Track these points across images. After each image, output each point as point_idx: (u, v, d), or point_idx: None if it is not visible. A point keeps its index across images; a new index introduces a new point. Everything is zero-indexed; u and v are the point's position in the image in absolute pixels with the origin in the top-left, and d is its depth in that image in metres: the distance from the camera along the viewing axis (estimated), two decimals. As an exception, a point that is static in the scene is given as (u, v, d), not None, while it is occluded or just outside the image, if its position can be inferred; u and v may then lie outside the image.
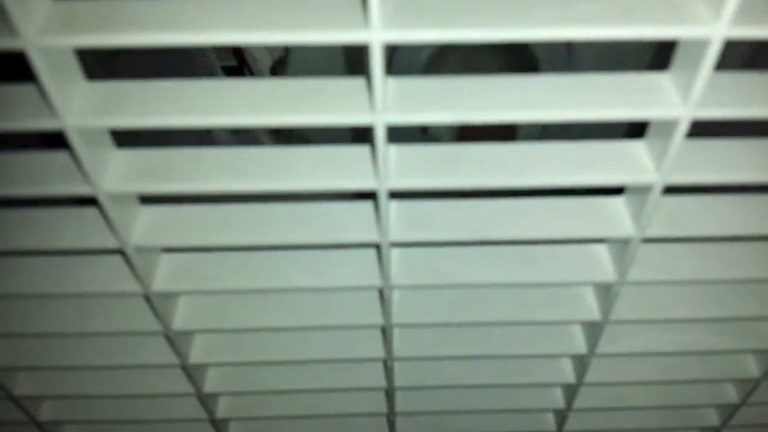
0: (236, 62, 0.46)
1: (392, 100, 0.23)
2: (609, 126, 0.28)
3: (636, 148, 0.26)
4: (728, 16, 0.20)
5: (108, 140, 0.25)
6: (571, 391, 0.38)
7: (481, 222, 0.28)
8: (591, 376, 0.37)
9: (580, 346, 0.35)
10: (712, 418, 0.42)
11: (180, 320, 0.32)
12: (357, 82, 0.23)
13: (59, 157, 0.25)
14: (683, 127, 0.24)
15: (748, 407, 0.40)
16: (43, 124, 0.22)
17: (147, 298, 0.30)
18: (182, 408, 0.38)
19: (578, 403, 0.39)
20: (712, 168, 0.26)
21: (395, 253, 0.30)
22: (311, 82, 0.23)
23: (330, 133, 0.27)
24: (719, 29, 0.21)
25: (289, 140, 0.46)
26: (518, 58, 0.41)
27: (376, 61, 0.21)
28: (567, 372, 0.37)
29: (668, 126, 0.24)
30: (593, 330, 0.33)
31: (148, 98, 0.23)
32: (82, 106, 0.22)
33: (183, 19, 0.20)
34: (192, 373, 0.35)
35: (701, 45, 0.21)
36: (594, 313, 0.32)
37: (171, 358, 0.34)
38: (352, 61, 0.40)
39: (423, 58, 0.41)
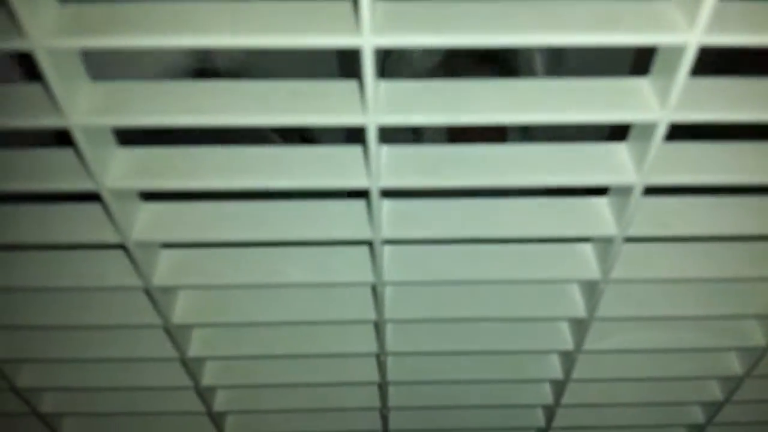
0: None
1: (383, 102, 0.24)
2: (595, 128, 0.29)
3: (618, 150, 0.27)
4: (703, 24, 0.22)
5: (111, 138, 0.26)
6: (559, 387, 0.39)
7: (470, 220, 0.29)
8: (578, 372, 0.38)
9: (567, 342, 0.36)
10: (698, 416, 0.43)
11: (179, 314, 0.33)
12: (350, 85, 0.24)
13: (64, 154, 0.26)
14: (661, 130, 0.25)
15: (732, 405, 0.41)
16: (49, 122, 0.23)
17: (147, 292, 0.31)
18: (180, 401, 0.39)
19: (566, 399, 0.40)
20: (691, 170, 0.27)
21: (387, 250, 0.31)
22: (306, 84, 0.24)
23: (337, 132, 0.28)
24: (694, 36, 0.22)
25: (296, 140, 0.47)
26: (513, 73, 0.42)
27: (368, 65, 0.22)
28: (555, 368, 0.38)
29: (647, 129, 0.25)
30: (580, 327, 0.34)
31: (150, 98, 0.24)
32: (87, 105, 0.23)
33: (184, 22, 0.21)
34: (190, 366, 0.36)
35: (678, 51, 0.23)
36: (580, 310, 0.33)
37: (170, 351, 0.35)
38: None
39: (424, 71, 0.42)
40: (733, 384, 0.40)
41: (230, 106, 0.24)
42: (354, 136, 0.26)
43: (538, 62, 0.40)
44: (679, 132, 0.26)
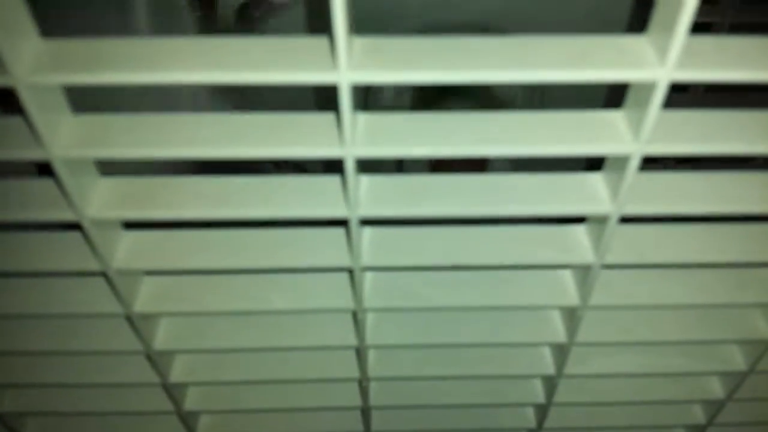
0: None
1: (361, 135, 0.24)
2: (572, 158, 0.29)
3: (594, 180, 0.28)
4: (673, 61, 0.22)
5: (92, 169, 0.26)
6: (542, 411, 0.39)
7: (451, 248, 0.30)
8: (560, 396, 0.38)
9: (549, 366, 0.36)
10: (682, 439, 0.43)
11: (161, 340, 0.33)
12: (328, 117, 0.25)
13: (45, 184, 0.26)
14: (635, 162, 0.25)
15: (715, 427, 0.42)
16: (31, 154, 0.23)
17: (129, 319, 0.31)
18: (163, 425, 0.39)
19: (549, 422, 0.40)
20: (666, 200, 0.27)
21: (368, 277, 0.31)
22: (286, 116, 0.25)
23: (325, 163, 0.29)
24: (665, 73, 0.22)
25: (289, 168, 0.47)
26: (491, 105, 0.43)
27: (345, 100, 0.22)
28: (537, 392, 0.38)
29: (622, 161, 0.26)
30: (560, 352, 0.35)
31: (131, 130, 0.24)
32: (68, 138, 0.23)
33: (166, 58, 0.22)
34: (172, 391, 0.36)
35: (649, 87, 0.23)
36: (560, 335, 0.34)
37: (152, 376, 0.35)
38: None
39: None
40: (715, 407, 0.40)
41: (210, 138, 0.24)
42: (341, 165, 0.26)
43: (517, 94, 0.41)
44: (655, 160, 0.26)
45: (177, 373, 0.35)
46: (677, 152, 0.25)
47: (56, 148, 0.23)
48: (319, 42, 0.22)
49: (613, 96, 0.26)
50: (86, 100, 0.25)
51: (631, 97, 0.25)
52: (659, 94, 0.23)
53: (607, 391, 0.39)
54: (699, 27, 0.22)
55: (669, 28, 0.21)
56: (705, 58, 0.23)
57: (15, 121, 0.24)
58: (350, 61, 0.21)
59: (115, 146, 0.24)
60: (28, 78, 0.21)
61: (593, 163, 0.29)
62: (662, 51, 0.22)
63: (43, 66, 0.21)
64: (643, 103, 0.24)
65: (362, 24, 0.22)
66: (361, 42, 0.22)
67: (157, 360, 0.33)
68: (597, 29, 0.24)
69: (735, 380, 0.38)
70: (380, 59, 0.22)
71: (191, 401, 0.37)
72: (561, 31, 0.24)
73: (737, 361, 0.37)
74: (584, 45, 0.23)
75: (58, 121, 0.23)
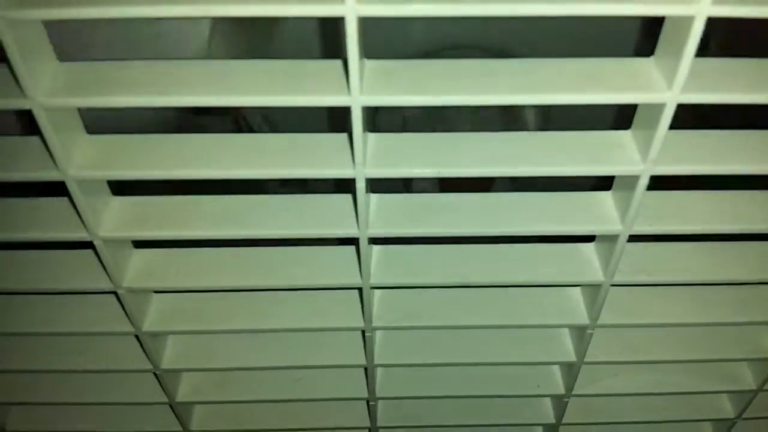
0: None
1: (372, 155, 0.25)
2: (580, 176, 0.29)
3: (603, 198, 0.28)
4: (680, 84, 0.22)
5: (105, 189, 0.26)
6: (552, 431, 0.39)
7: (460, 267, 0.30)
8: (570, 416, 0.37)
9: (558, 386, 0.36)
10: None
11: (169, 359, 0.33)
12: (339, 138, 0.25)
13: (58, 204, 0.26)
14: (644, 181, 0.25)
15: (726, 447, 0.41)
16: (46, 175, 0.24)
17: (137, 338, 0.31)
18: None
19: (559, 441, 0.40)
20: (674, 219, 0.27)
21: (377, 295, 0.31)
22: (299, 137, 0.25)
23: (331, 183, 0.29)
24: (672, 95, 0.23)
25: (294, 186, 0.47)
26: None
27: (356, 122, 0.23)
28: (548, 412, 0.38)
29: (631, 180, 0.26)
30: (570, 371, 0.35)
31: (144, 151, 0.24)
32: (83, 159, 0.24)
33: (180, 82, 0.22)
34: (179, 410, 0.35)
35: (657, 109, 0.23)
36: (570, 354, 0.33)
37: (159, 395, 0.34)
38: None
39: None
40: (725, 427, 0.40)
41: (222, 159, 0.24)
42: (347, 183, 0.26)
43: (524, 107, 0.41)
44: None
45: (184, 391, 0.35)
46: (685, 171, 0.25)
47: (71, 169, 0.23)
48: (332, 65, 0.23)
49: (619, 107, 0.26)
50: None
51: (639, 118, 0.25)
52: (667, 115, 0.23)
53: (617, 411, 0.38)
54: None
55: (676, 52, 0.21)
56: (711, 79, 0.23)
57: (31, 141, 0.24)
58: (362, 84, 0.22)
59: (129, 167, 0.24)
60: (45, 101, 0.21)
61: (602, 180, 0.29)
62: (670, 74, 0.22)
63: (59, 89, 0.22)
64: (652, 123, 0.24)
65: (371, 47, 0.23)
66: (372, 65, 0.23)
67: (164, 378, 0.33)
68: (602, 50, 0.24)
69: (745, 399, 0.37)
70: (391, 82, 0.22)
71: (197, 421, 0.37)
72: (566, 52, 0.24)
73: (747, 379, 0.37)
74: (592, 67, 0.23)
75: (73, 142, 0.24)
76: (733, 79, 0.23)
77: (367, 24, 0.20)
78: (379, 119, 0.39)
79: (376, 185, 0.27)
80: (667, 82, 0.23)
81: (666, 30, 0.23)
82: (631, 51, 0.35)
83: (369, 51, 0.23)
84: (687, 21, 0.21)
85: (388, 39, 0.31)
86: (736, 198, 0.28)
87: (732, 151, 0.25)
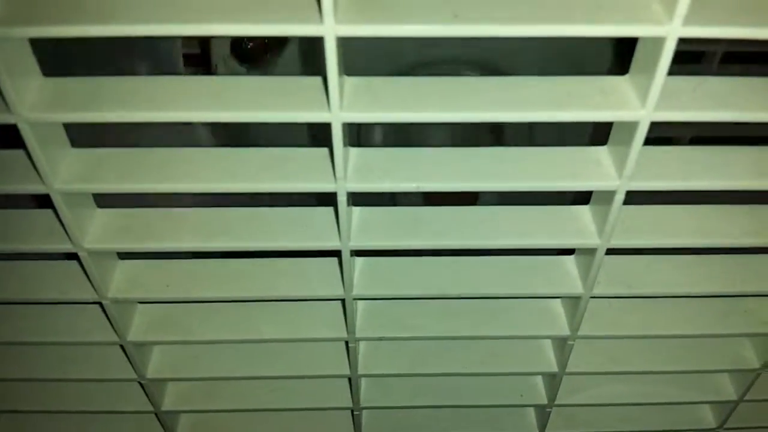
0: (199, 50, 0.47)
1: (353, 169, 0.25)
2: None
3: (582, 213, 0.28)
4: (653, 102, 0.23)
5: (90, 201, 0.27)
6: (535, 440, 0.39)
7: (443, 278, 0.30)
8: (553, 426, 0.38)
9: (541, 396, 0.36)
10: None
11: (154, 368, 0.33)
12: (321, 152, 0.25)
13: (44, 215, 0.26)
14: (620, 197, 0.26)
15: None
16: (31, 188, 0.24)
17: (123, 348, 0.31)
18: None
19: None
20: (652, 232, 0.28)
21: (360, 306, 0.32)
22: (280, 151, 0.25)
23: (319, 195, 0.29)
24: (646, 113, 0.23)
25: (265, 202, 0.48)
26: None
27: (337, 138, 0.23)
28: (531, 422, 0.38)
29: (608, 195, 0.26)
30: (553, 381, 0.35)
31: (128, 164, 0.25)
32: (68, 173, 0.24)
33: (165, 97, 0.22)
34: (164, 419, 0.36)
35: (631, 126, 0.24)
36: (552, 365, 0.34)
37: (145, 404, 0.35)
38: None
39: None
40: (707, 436, 0.40)
41: (205, 173, 0.25)
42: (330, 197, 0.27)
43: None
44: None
45: (170, 401, 0.35)
46: (660, 187, 0.26)
47: (56, 182, 0.24)
48: (312, 82, 0.23)
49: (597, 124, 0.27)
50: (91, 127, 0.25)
51: (614, 134, 0.26)
52: (642, 133, 0.24)
53: (600, 420, 0.39)
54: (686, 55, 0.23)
55: (650, 71, 0.22)
56: (685, 98, 0.23)
57: (16, 154, 0.24)
58: (342, 102, 0.22)
59: (113, 181, 0.24)
60: (29, 115, 0.22)
61: (582, 193, 0.30)
62: (643, 92, 0.23)
63: (43, 104, 0.22)
64: (627, 140, 0.24)
65: (355, 62, 0.23)
66: (352, 82, 0.23)
67: (149, 388, 0.33)
68: (583, 65, 0.25)
69: (726, 409, 0.38)
70: (371, 99, 0.23)
71: (183, 429, 0.37)
72: (551, 65, 0.24)
73: (728, 390, 0.37)
74: (569, 85, 0.24)
75: (58, 156, 0.24)
76: (706, 98, 0.23)
77: (350, 39, 0.21)
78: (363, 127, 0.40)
79: (362, 199, 0.27)
80: (641, 100, 0.23)
81: (639, 49, 0.23)
82: (610, 65, 0.35)
83: (354, 64, 0.23)
84: (659, 41, 0.21)
85: (374, 53, 0.31)
86: (713, 212, 0.29)
87: (706, 167, 0.26)
